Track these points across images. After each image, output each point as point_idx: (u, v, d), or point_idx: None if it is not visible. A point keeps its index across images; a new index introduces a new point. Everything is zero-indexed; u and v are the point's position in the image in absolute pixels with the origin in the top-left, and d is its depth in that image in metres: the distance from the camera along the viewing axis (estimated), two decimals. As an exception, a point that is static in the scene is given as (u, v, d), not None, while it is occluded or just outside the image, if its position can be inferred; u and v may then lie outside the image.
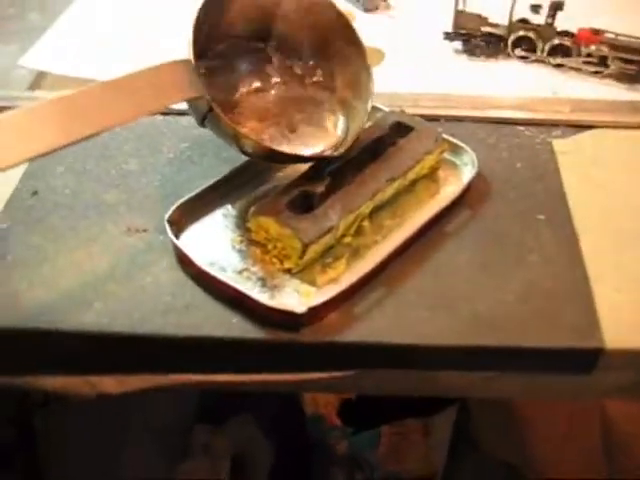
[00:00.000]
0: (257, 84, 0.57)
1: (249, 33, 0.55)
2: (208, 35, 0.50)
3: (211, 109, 0.48)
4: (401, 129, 0.55)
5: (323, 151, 0.53)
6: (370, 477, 1.00)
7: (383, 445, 0.99)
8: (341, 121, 0.55)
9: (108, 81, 0.46)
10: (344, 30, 0.54)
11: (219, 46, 0.53)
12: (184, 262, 0.49)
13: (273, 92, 0.57)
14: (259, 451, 1.03)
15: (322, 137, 0.54)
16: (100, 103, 0.45)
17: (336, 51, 0.55)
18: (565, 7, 0.65)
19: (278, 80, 0.57)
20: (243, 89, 0.56)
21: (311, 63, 0.57)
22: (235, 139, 0.50)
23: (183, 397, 1.01)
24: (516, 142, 0.59)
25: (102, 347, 0.47)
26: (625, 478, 1.01)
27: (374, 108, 0.56)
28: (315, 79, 0.57)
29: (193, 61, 0.47)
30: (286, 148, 0.53)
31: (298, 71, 0.57)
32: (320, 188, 0.50)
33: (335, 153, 0.52)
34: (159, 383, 0.48)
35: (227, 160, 0.56)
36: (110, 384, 0.48)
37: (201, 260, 0.47)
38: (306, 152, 0.53)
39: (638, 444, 1.01)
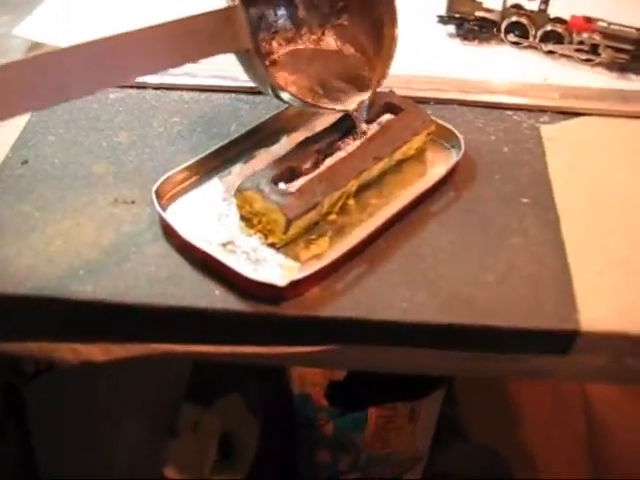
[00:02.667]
0: (290, 29, 0.56)
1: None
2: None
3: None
4: (390, 110, 0.55)
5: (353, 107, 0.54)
6: (355, 459, 1.01)
7: (369, 427, 0.99)
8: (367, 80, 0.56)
9: (149, 26, 0.46)
10: None
11: None
12: (169, 233, 0.49)
13: (306, 43, 0.57)
14: (247, 430, 1.04)
15: (351, 94, 0.55)
16: (142, 48, 0.46)
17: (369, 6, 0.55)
18: (560, -6, 0.65)
19: (304, 14, 0.56)
20: (277, 34, 0.56)
21: (340, 4, 0.57)
22: (271, 87, 0.51)
23: (172, 375, 1.02)
24: (504, 126, 0.59)
25: (86, 315, 0.47)
26: (607, 464, 1.03)
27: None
28: (339, 22, 0.57)
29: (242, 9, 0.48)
30: (317, 101, 0.53)
31: (325, 9, 0.57)
32: (307, 165, 0.50)
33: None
34: (142, 352, 0.48)
35: (216, 135, 0.57)
36: (94, 352, 0.49)
37: (186, 232, 0.48)
38: (337, 107, 0.54)
39: (618, 429, 1.03)
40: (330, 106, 0.53)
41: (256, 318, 0.46)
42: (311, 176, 0.50)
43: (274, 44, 0.55)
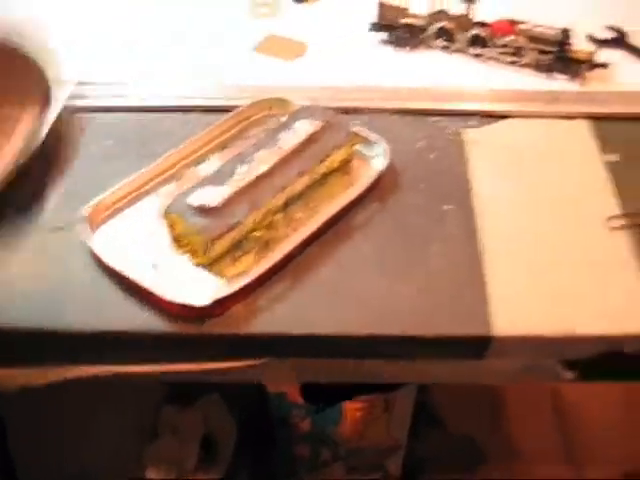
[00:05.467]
0: None
1: None
2: None
3: None
4: (313, 123, 0.56)
5: None
6: (336, 453, 1.03)
7: (346, 421, 1.01)
8: None
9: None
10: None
11: None
12: (98, 260, 0.51)
13: None
14: (226, 429, 1.05)
15: None
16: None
17: None
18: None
19: None
20: None
21: None
22: None
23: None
24: (431, 133, 0.61)
25: (23, 342, 0.49)
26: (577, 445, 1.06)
27: (286, 102, 0.59)
28: None
29: None
30: None
31: None
32: (228, 184, 0.51)
33: None
34: (78, 374, 0.50)
35: (148, 155, 0.58)
36: (33, 377, 0.50)
37: (114, 257, 0.49)
38: None
39: (586, 409, 1.05)
40: None
41: (181, 338, 0.47)
42: (233, 194, 0.51)
43: None
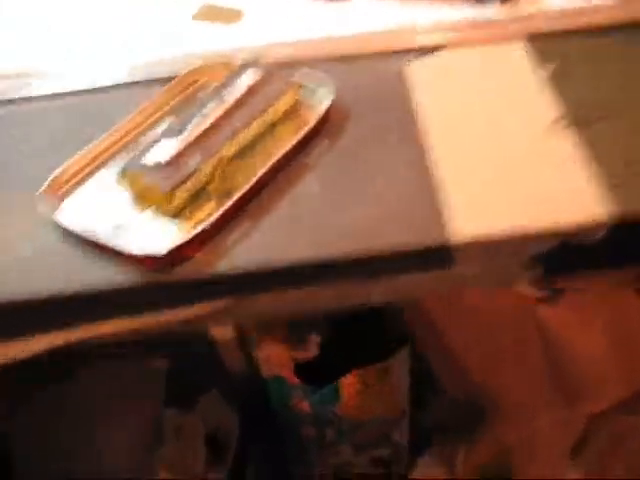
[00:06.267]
0: None
1: None
2: None
3: None
4: (254, 77, 0.58)
5: None
6: (339, 431, 1.04)
7: (344, 397, 1.02)
8: None
9: None
10: None
11: None
12: (63, 228, 0.52)
13: None
14: (229, 423, 1.06)
15: None
16: None
17: None
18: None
19: None
20: None
21: None
22: None
23: (147, 384, 1.05)
24: (372, 73, 0.62)
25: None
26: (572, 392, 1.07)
27: (228, 64, 0.61)
28: None
29: None
30: None
31: None
32: (179, 138, 0.53)
33: None
34: (52, 343, 0.51)
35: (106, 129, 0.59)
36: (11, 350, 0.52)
37: (79, 223, 0.51)
38: None
39: (577, 355, 1.06)
40: None
41: (148, 288, 0.49)
42: (185, 147, 0.53)
43: None
